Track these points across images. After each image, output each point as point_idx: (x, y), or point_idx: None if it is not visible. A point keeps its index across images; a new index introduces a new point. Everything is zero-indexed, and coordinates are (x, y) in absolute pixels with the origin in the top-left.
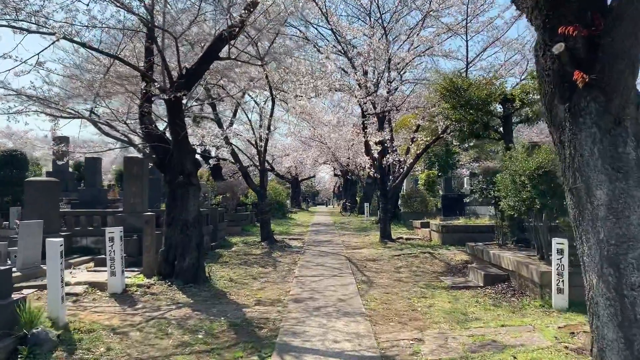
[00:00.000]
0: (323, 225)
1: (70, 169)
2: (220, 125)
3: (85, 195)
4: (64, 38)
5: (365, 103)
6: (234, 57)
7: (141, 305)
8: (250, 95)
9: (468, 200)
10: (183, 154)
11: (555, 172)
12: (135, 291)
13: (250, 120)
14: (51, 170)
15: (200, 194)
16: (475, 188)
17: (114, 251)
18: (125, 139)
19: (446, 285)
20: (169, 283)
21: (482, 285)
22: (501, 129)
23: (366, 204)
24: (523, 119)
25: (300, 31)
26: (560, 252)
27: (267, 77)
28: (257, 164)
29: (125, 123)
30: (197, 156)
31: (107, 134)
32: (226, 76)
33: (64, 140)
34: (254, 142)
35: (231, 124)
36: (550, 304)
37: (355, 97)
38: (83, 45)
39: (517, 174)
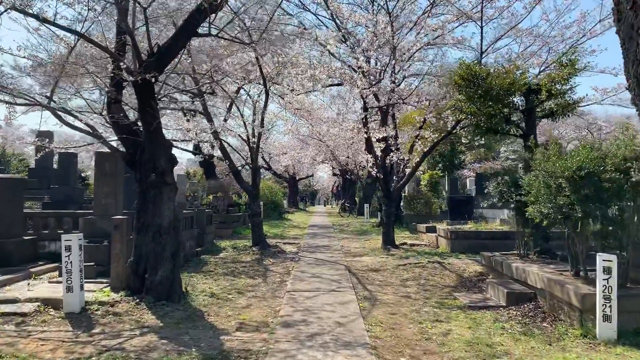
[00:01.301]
0: (321, 227)
1: (56, 166)
2: (209, 119)
3: (57, 194)
4: (13, 8)
5: (368, 96)
6: (215, 33)
7: (99, 330)
8: (244, 89)
9: (485, 205)
10: (156, 149)
11: (600, 174)
12: (96, 310)
13: (242, 115)
14: (34, 166)
15: (189, 193)
16: (494, 191)
17: (71, 262)
18: (90, 130)
19: (462, 304)
20: (138, 300)
21: (504, 305)
22: (523, 124)
23: (366, 205)
24: (547, 113)
25: (299, 22)
26: (607, 271)
27: (258, 60)
28: (249, 161)
29: (101, 114)
30: (189, 154)
31: (69, 125)
32: (219, 68)
33: (48, 135)
34: (246, 138)
35: (225, 120)
36: (594, 334)
37: (357, 87)
38: (36, 17)
39: (554, 175)
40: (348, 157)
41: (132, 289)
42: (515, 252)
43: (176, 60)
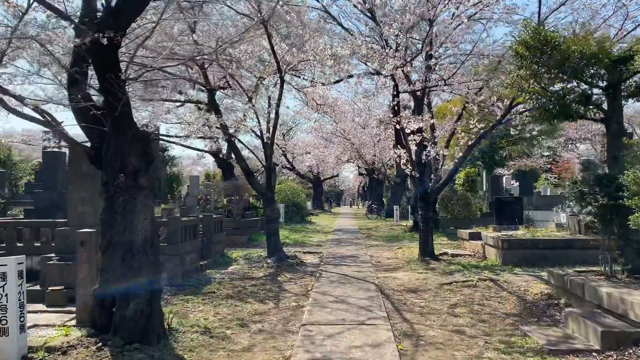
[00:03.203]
0: (346, 231)
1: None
2: (217, 112)
3: (42, 200)
4: None
5: (400, 78)
6: None
7: None
8: (260, 81)
9: (561, 209)
10: (124, 141)
11: None
12: None
13: (252, 103)
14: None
15: (201, 196)
16: (570, 191)
17: (6, 295)
18: (42, 118)
19: (538, 345)
20: (101, 343)
21: (598, 348)
22: (604, 104)
23: (395, 207)
24: (633, 90)
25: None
26: None
27: (268, 34)
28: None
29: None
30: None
31: (15, 112)
32: (231, 56)
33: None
34: (258, 133)
35: (244, 116)
36: None
37: (388, 63)
38: None
39: None
40: (374, 155)
41: (97, 326)
42: (595, 269)
43: (151, 21)
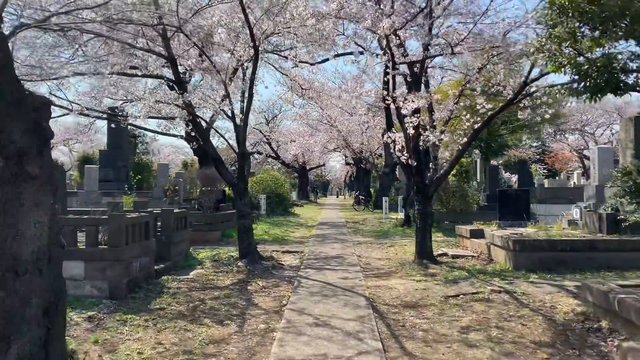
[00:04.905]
0: (332, 225)
1: None
2: (180, 87)
3: None
4: None
5: (394, 50)
6: None
7: None
8: (229, 50)
9: (617, 207)
10: (1, 109)
11: None
12: None
13: (225, 84)
14: None
15: (168, 186)
16: (623, 184)
17: None
18: None
19: None
20: None
21: None
22: None
23: (384, 199)
24: None
25: None
26: None
27: None
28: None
29: None
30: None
31: None
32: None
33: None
34: (230, 115)
35: (223, 99)
36: None
37: (382, 21)
38: None
39: None
40: (362, 143)
41: None
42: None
43: None
